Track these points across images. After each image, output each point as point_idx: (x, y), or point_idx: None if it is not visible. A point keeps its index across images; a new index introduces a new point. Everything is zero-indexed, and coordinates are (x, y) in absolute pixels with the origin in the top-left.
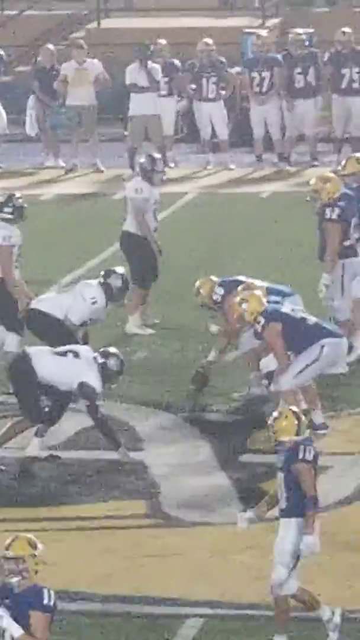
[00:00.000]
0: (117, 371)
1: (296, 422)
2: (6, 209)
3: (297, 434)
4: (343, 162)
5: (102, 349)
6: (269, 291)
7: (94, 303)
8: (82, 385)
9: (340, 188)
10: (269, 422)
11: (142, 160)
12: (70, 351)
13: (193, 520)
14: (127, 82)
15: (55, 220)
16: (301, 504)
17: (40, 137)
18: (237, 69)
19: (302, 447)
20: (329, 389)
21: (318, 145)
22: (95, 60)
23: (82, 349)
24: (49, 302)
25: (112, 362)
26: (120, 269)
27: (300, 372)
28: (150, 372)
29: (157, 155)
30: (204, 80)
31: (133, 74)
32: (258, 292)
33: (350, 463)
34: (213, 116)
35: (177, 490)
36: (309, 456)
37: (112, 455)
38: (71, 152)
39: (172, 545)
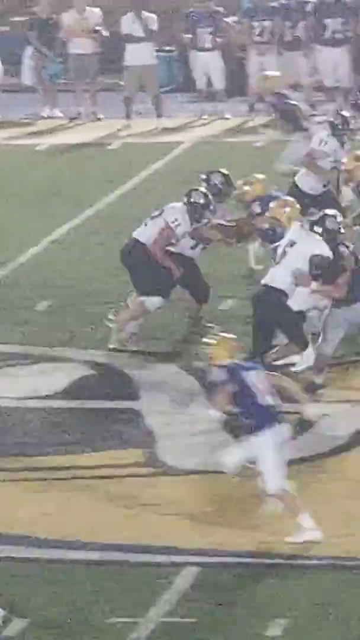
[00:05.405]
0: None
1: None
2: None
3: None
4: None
5: None
6: None
7: (177, 226)
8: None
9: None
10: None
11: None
12: None
13: (189, 469)
14: (123, 32)
15: (50, 170)
16: (252, 418)
17: (36, 87)
18: (234, 18)
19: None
20: None
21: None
22: (96, 9)
23: None
24: (141, 231)
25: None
26: (201, 188)
27: None
28: (154, 325)
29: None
30: (200, 30)
31: (128, 23)
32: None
33: (345, 411)
34: (209, 66)
35: (173, 438)
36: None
37: (108, 404)
38: (73, 101)
39: (168, 494)
